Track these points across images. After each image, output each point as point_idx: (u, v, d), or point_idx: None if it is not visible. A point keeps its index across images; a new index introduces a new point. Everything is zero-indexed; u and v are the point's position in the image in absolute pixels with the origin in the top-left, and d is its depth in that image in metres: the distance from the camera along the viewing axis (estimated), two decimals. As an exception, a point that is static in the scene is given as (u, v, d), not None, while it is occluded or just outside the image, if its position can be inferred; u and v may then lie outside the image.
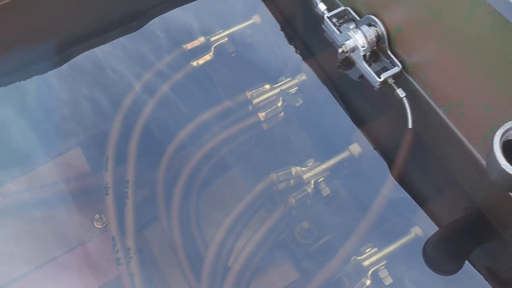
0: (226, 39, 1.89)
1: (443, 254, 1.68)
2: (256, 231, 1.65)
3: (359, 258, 1.59)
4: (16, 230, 1.79)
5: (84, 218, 1.78)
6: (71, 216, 1.78)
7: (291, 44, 1.92)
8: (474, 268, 1.61)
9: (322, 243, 1.75)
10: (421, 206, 1.67)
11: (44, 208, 1.80)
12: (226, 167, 1.79)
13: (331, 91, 1.81)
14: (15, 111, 1.90)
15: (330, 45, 1.76)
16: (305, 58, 1.90)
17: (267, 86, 1.81)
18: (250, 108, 1.80)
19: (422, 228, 1.63)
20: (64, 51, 1.94)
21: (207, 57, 1.85)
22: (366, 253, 1.60)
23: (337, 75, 1.81)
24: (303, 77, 1.82)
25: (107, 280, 1.70)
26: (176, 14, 1.99)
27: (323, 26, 1.70)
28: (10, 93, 1.91)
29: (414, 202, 1.68)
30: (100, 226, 1.76)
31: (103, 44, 1.98)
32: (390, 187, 1.63)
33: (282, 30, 1.95)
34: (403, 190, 1.67)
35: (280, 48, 1.93)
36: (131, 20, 1.98)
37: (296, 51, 1.91)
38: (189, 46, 1.89)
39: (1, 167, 1.85)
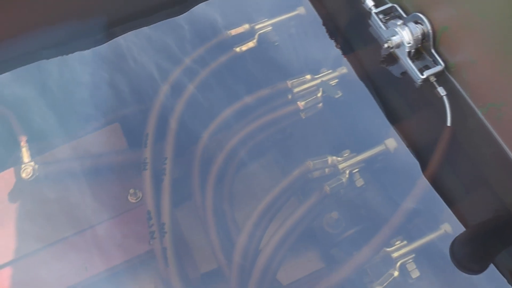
0: (270, 28, 1.93)
1: (470, 253, 1.70)
2: (288, 216, 1.68)
3: (388, 249, 1.62)
4: (51, 197, 1.83)
5: (119, 192, 1.82)
6: (105, 189, 1.83)
7: (333, 37, 1.96)
8: (498, 271, 1.64)
9: (349, 234, 1.79)
10: (451, 204, 1.69)
11: (79, 179, 1.84)
12: (262, 152, 1.83)
13: (370, 85, 1.84)
14: (57, 84, 1.95)
15: (372, 41, 1.79)
16: (346, 52, 1.93)
17: (308, 77, 1.84)
18: (290, 96, 1.83)
19: (451, 225, 1.66)
20: (110, 29, 1.99)
21: (251, 44, 1.89)
22: (395, 245, 1.63)
23: (377, 70, 1.84)
24: (344, 70, 1.85)
25: (138, 253, 1.74)
26: (222, 0, 2.03)
27: (369, 21, 1.73)
28: (55, 66, 1.96)
29: (444, 199, 1.70)
30: (134, 201, 1.80)
31: (146, 26, 2.02)
32: (422, 183, 1.66)
33: (325, 23, 1.98)
34: (435, 187, 1.70)
35: (322, 40, 1.96)
36: (176, 4, 2.02)
37: (337, 45, 1.94)
38: (233, 32, 1.93)
39: (42, 136, 1.90)
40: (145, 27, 2.03)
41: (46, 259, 1.76)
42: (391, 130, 1.80)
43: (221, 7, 2.02)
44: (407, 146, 1.78)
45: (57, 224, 1.80)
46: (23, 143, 1.87)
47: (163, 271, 1.66)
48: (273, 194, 1.70)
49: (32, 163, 1.83)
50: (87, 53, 2.00)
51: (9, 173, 1.88)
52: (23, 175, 1.82)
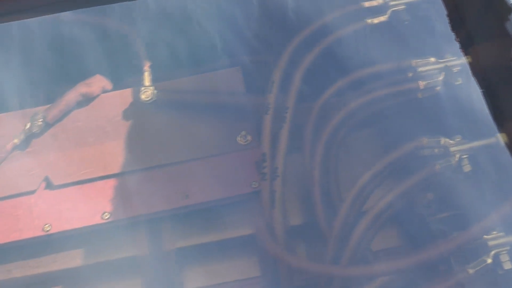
0: (404, 6, 1.98)
1: None
2: (394, 188, 1.74)
3: (486, 236, 1.67)
4: (163, 123, 1.91)
5: (228, 132, 1.88)
6: (216, 126, 1.90)
7: (456, 29, 2.01)
8: None
9: (439, 217, 1.84)
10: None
11: (193, 111, 1.91)
12: (375, 123, 1.89)
13: (489, 77, 1.89)
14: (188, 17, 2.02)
15: (497, 37, 1.84)
16: (467, 44, 1.98)
17: (432, 59, 1.90)
18: (410, 74, 1.89)
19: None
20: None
21: (382, 18, 1.95)
22: (492, 234, 1.68)
23: (498, 65, 1.89)
24: (468, 59, 1.90)
25: (239, 193, 1.81)
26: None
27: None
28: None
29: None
30: (242, 143, 1.86)
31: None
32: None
33: (450, 13, 2.03)
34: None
35: (446, 28, 2.01)
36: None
37: (463, 34, 1.99)
38: (366, 4, 1.99)
39: (165, 65, 1.97)
40: None
41: (144, 180, 1.85)
42: (507, 124, 1.85)
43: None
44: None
45: (161, 150, 1.88)
46: (146, 67, 1.94)
47: (268, 212, 1.73)
48: (383, 162, 1.76)
49: (152, 88, 1.90)
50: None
51: (127, 92, 1.96)
52: (142, 96, 1.89)
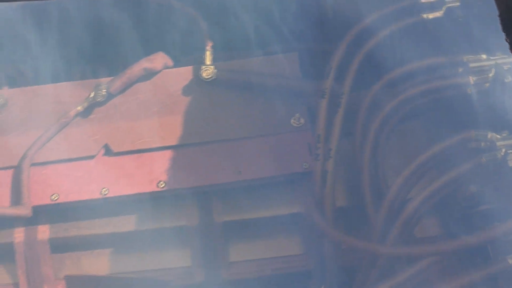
0: (458, 4, 2.05)
1: None
2: (440, 176, 1.81)
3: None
4: (221, 101, 2.01)
5: (283, 113, 1.97)
6: (272, 107, 1.98)
7: (506, 30, 2.07)
8: None
9: (480, 209, 1.91)
10: None
11: (250, 92, 2.01)
12: (425, 114, 1.96)
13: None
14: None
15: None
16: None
17: (484, 56, 1.96)
18: (460, 70, 1.96)
19: None
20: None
21: (437, 14, 2.02)
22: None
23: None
24: None
25: (291, 171, 1.90)
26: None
27: None
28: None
29: None
30: (296, 125, 1.94)
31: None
32: None
33: (501, 15, 2.09)
34: None
35: (498, 28, 2.07)
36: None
37: (508, 37, 2.05)
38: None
39: (226, 46, 2.06)
40: None
41: (200, 154, 1.94)
42: None
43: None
44: None
45: (217, 126, 1.98)
46: (208, 47, 2.03)
47: (318, 191, 1.82)
48: (430, 152, 1.83)
49: (212, 67, 2.00)
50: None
51: (188, 70, 2.06)
52: (203, 74, 1.99)
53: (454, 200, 1.90)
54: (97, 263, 1.97)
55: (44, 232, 1.95)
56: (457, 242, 1.78)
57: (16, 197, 1.94)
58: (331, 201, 1.81)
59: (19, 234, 1.94)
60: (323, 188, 1.81)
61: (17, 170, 1.96)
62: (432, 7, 2.02)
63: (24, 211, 1.90)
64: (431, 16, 2.01)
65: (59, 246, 1.96)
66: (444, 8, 2.02)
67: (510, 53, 2.00)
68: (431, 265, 1.78)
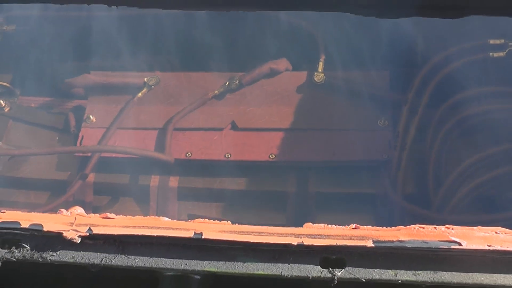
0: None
1: None
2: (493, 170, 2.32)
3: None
4: (328, 101, 2.61)
5: (370, 116, 2.54)
6: (365, 111, 2.55)
7: None
8: None
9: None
10: None
11: (350, 97, 2.60)
12: (480, 131, 2.48)
13: None
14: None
15: None
16: None
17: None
18: (515, 100, 2.50)
19: None
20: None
21: (501, 54, 2.53)
22: None
23: None
24: None
25: (377, 158, 2.46)
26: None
27: None
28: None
29: None
30: (382, 125, 2.51)
31: None
32: None
33: None
34: None
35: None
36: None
37: None
38: (491, 41, 2.56)
39: (333, 60, 2.66)
40: None
41: (304, 137, 2.54)
42: None
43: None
44: None
45: (320, 118, 2.58)
46: (321, 59, 2.65)
47: (393, 174, 2.38)
48: (477, 156, 2.35)
49: (323, 74, 2.60)
50: None
51: (303, 74, 2.68)
52: (315, 78, 2.60)
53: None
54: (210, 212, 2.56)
55: (174, 181, 2.57)
56: None
57: (161, 151, 2.57)
58: (402, 184, 2.35)
59: (154, 179, 2.57)
60: (397, 171, 2.36)
61: (163, 131, 2.61)
62: (497, 48, 2.58)
63: (169, 157, 2.54)
64: (495, 55, 2.56)
65: (185, 195, 2.57)
66: (507, 50, 2.58)
67: None
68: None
